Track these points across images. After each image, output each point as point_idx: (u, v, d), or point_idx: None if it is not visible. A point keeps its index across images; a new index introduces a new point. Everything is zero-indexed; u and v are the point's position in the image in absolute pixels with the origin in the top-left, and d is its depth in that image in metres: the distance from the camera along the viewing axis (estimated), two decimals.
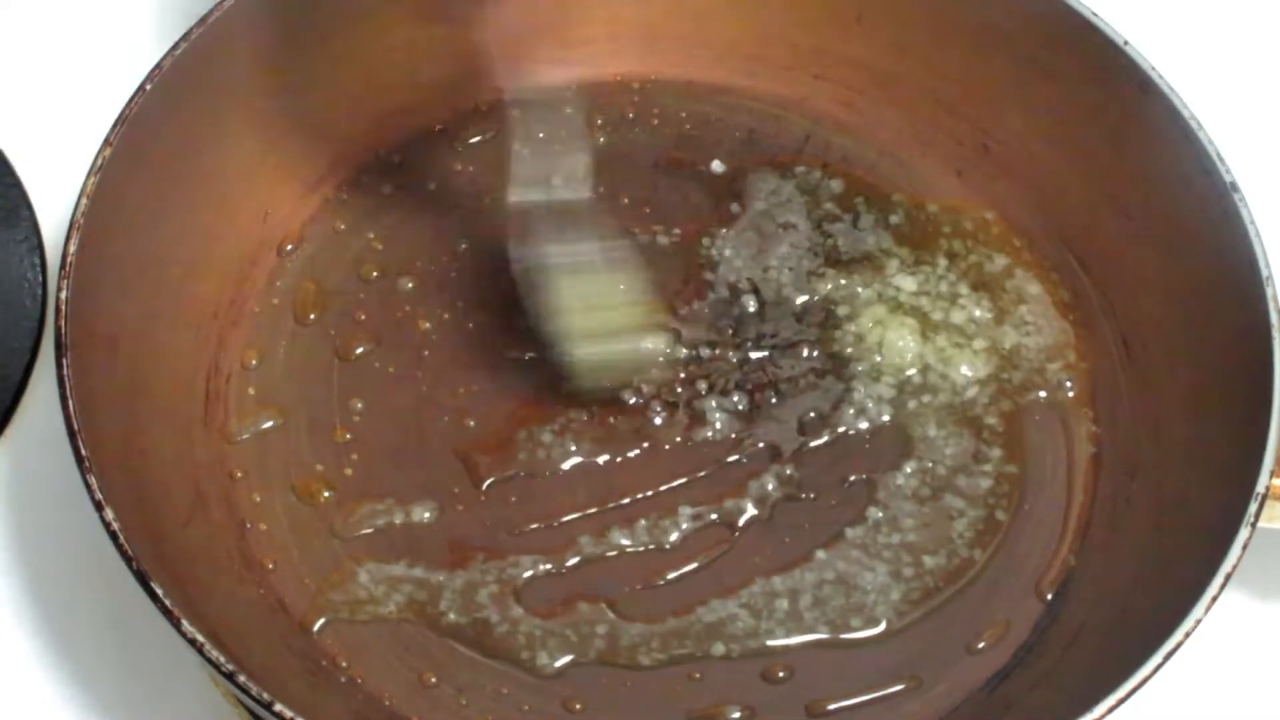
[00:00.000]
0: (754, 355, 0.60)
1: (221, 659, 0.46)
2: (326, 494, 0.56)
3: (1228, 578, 0.48)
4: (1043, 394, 0.60)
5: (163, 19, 0.59)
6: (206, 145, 0.58)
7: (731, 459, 0.58)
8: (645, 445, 0.58)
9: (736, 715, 0.53)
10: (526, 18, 0.55)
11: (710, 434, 0.58)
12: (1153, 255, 0.59)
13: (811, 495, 0.58)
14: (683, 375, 0.60)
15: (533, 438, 0.58)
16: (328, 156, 0.63)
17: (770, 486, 0.57)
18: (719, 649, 0.54)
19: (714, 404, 0.59)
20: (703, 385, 0.59)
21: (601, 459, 0.58)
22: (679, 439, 0.58)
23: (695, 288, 0.62)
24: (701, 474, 0.58)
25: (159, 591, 0.46)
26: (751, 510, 0.57)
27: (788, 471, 0.58)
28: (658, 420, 0.58)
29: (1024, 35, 0.61)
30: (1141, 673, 0.47)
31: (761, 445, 0.58)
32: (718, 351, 0.60)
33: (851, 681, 0.54)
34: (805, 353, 0.61)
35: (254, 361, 0.59)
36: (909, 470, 0.58)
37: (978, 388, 0.60)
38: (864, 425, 0.59)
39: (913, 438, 0.59)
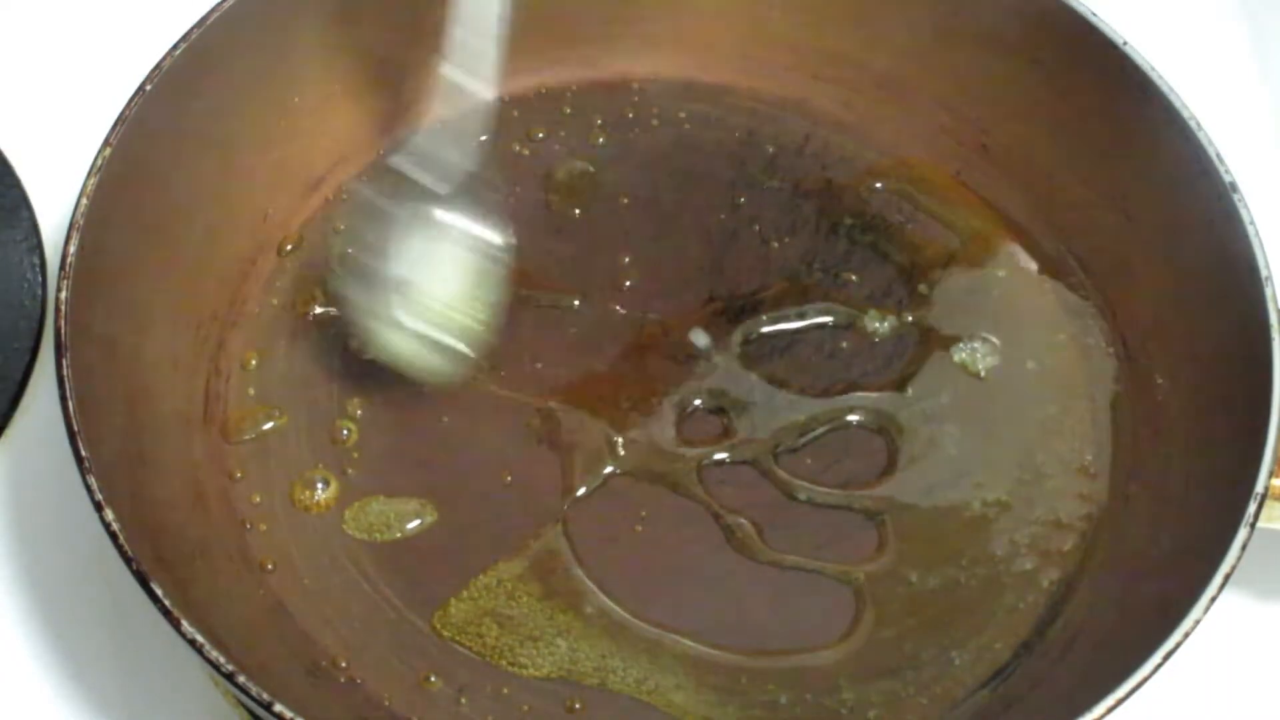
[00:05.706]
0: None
1: (221, 659, 0.46)
2: (327, 495, 0.57)
3: (1227, 578, 0.49)
4: (1042, 394, 0.60)
5: (162, 19, 0.59)
6: (205, 145, 0.58)
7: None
8: None
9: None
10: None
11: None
12: (1153, 255, 0.59)
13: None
14: None
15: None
16: (328, 156, 0.63)
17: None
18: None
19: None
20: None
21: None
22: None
23: None
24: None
25: (159, 591, 0.46)
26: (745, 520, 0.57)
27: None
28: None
29: (1024, 35, 0.61)
30: (1141, 673, 0.47)
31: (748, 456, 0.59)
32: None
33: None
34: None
35: (254, 361, 0.59)
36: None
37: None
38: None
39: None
